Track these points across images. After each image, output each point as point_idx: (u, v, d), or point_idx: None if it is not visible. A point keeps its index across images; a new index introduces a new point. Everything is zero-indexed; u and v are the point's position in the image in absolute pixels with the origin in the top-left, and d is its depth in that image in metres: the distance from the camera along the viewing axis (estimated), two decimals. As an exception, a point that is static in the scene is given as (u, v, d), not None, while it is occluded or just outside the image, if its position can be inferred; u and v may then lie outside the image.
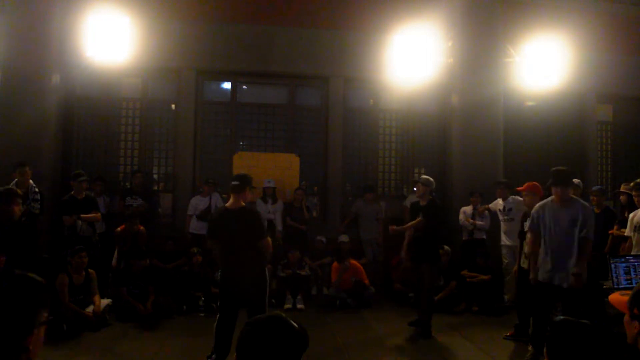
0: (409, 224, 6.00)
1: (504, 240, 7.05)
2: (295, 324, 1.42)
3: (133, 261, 6.34)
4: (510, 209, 7.00)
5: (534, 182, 5.62)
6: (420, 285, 5.83)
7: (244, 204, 4.47)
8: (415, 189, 7.92)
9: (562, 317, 1.81)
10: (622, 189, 6.54)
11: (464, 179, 8.10)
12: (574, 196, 4.82)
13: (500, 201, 7.19)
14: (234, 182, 4.46)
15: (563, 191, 4.61)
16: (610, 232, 6.22)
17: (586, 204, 4.80)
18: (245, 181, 4.47)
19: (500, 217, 7.16)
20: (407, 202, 7.99)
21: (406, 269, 6.83)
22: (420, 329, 5.69)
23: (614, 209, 6.97)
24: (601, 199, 6.71)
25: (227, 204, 4.56)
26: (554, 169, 4.77)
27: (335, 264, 7.19)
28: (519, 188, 5.77)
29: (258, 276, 4.44)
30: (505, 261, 7.00)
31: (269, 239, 4.58)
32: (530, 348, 4.74)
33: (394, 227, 6.14)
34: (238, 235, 4.35)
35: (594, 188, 6.99)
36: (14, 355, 1.25)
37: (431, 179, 5.99)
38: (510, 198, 7.05)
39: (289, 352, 1.38)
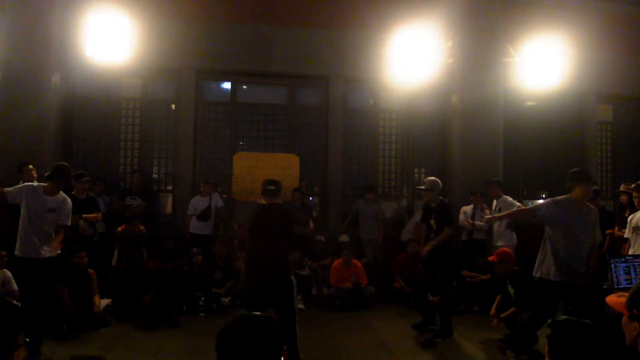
0: (438, 239, 5.63)
1: (495, 240, 7.10)
2: (273, 329, 1.40)
3: (146, 262, 6.39)
4: (499, 209, 6.99)
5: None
6: (438, 290, 5.84)
7: (278, 202, 4.69)
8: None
9: (564, 317, 1.81)
10: (622, 189, 6.54)
11: (464, 179, 8.09)
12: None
13: (495, 200, 7.19)
14: (270, 187, 4.61)
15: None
16: (609, 231, 6.21)
17: None
18: (280, 186, 4.71)
19: None
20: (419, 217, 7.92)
21: (412, 264, 6.86)
22: (436, 330, 5.67)
23: (610, 210, 6.97)
24: (597, 200, 6.70)
25: (262, 202, 4.73)
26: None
27: (335, 263, 7.19)
28: (489, 258, 5.76)
29: (286, 275, 4.51)
30: None
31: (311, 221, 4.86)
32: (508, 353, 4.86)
33: (425, 253, 5.80)
34: (274, 229, 4.49)
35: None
36: None
37: (435, 179, 5.79)
38: (502, 198, 7.04)
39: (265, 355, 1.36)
